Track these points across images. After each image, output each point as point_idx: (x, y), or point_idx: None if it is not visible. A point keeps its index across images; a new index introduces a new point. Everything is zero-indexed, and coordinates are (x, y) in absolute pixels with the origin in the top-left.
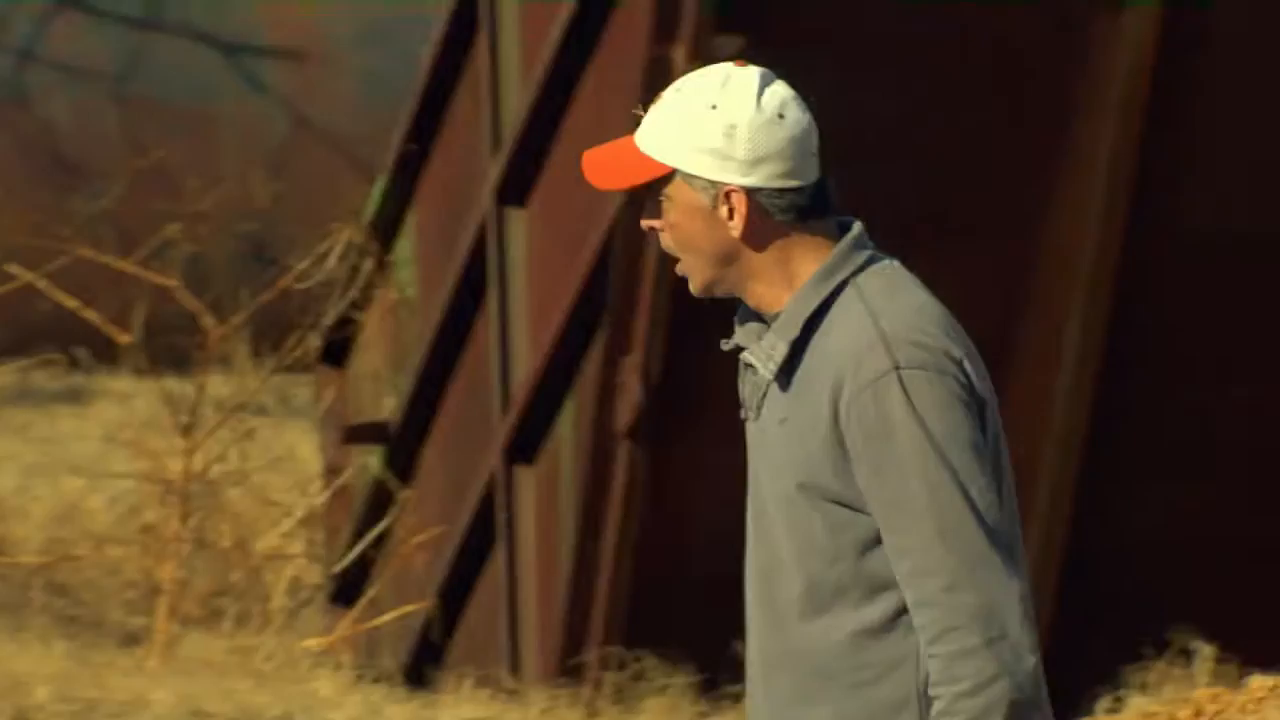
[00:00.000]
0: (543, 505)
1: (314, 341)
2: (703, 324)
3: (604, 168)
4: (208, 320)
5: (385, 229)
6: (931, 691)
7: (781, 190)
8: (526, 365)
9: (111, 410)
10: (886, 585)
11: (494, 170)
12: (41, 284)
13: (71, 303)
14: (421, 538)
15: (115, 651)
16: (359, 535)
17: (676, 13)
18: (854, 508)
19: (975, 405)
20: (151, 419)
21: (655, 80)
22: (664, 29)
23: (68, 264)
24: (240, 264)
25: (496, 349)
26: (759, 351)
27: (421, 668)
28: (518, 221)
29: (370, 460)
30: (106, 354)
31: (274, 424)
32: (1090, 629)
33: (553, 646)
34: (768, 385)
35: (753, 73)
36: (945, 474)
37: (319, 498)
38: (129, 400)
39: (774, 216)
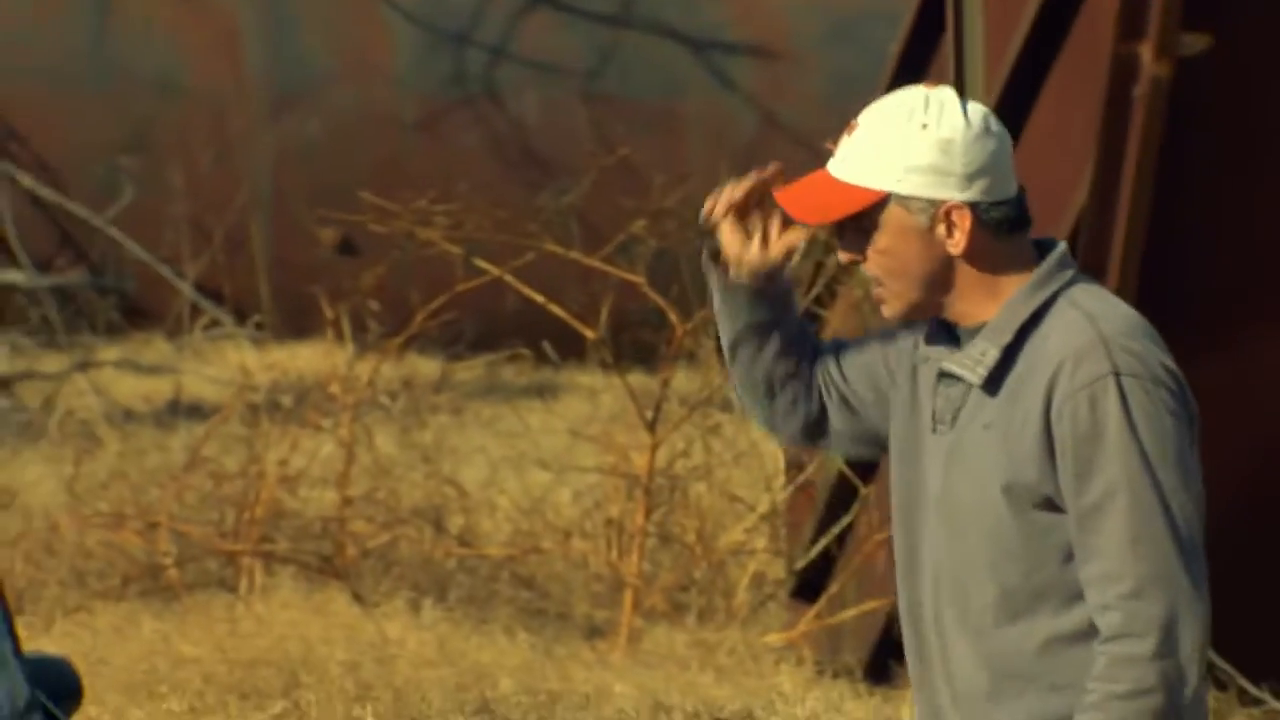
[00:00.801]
0: None
1: None
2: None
3: (809, 203)
4: (673, 316)
5: None
6: (1089, 684)
7: (996, 203)
8: None
9: (578, 405)
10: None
11: None
12: (510, 279)
13: (539, 298)
14: (883, 535)
15: (579, 644)
16: (821, 531)
17: (1145, 8)
18: (1058, 510)
19: (1187, 419)
20: (617, 413)
21: (1122, 78)
22: (1131, 25)
23: (536, 259)
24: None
25: None
26: (964, 359)
27: (884, 663)
28: None
29: (833, 457)
30: (573, 349)
31: (737, 420)
32: None
33: None
34: (968, 393)
35: (948, 91)
36: (1149, 484)
37: (781, 493)
38: (595, 395)
39: (990, 230)
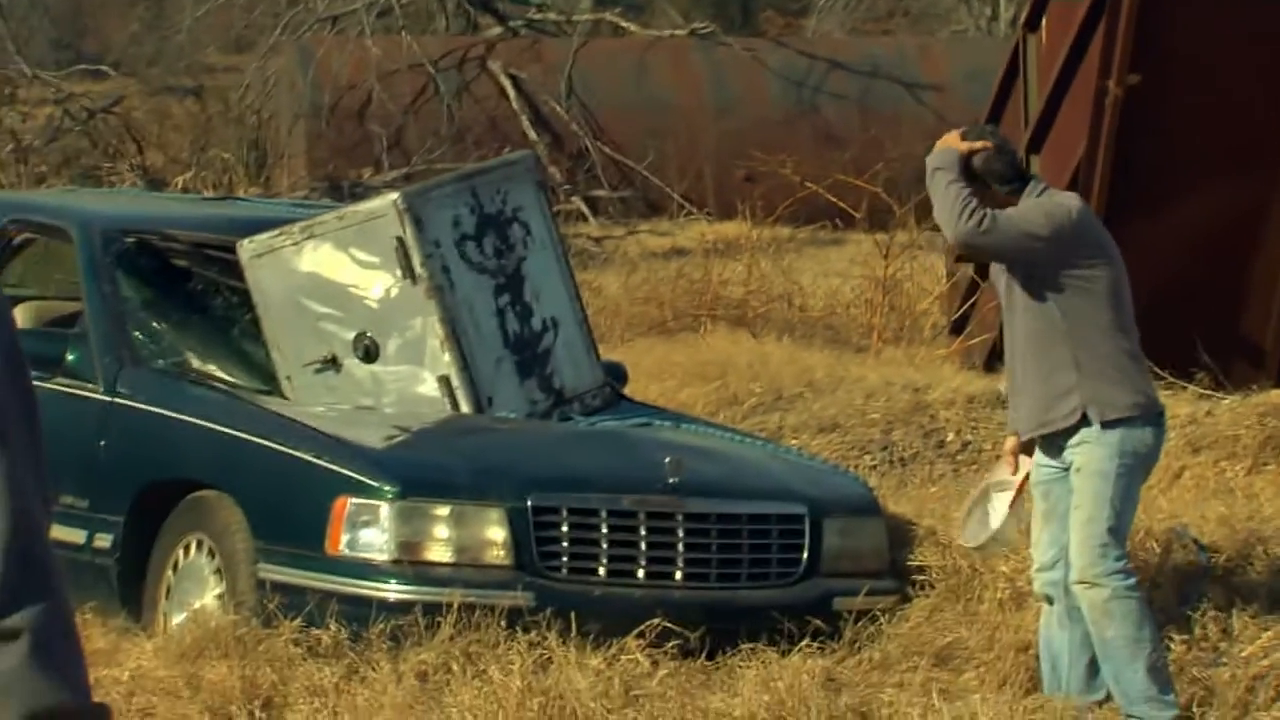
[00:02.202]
0: None
1: None
2: (1123, 203)
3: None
4: (897, 208)
5: None
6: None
7: (1011, 181)
8: None
9: (854, 248)
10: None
11: (1025, 135)
12: (821, 190)
13: (833, 198)
14: (992, 304)
15: (852, 355)
16: (963, 303)
17: (1110, 60)
18: (1051, 289)
19: (1059, 222)
20: (871, 250)
21: (1100, 96)
22: (1104, 69)
23: (833, 182)
24: None
25: None
26: None
27: (992, 364)
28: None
29: (967, 268)
30: (849, 223)
31: (925, 255)
32: None
33: None
34: None
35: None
36: (1020, 221)
37: (945, 285)
38: (861, 243)
39: (1009, 189)
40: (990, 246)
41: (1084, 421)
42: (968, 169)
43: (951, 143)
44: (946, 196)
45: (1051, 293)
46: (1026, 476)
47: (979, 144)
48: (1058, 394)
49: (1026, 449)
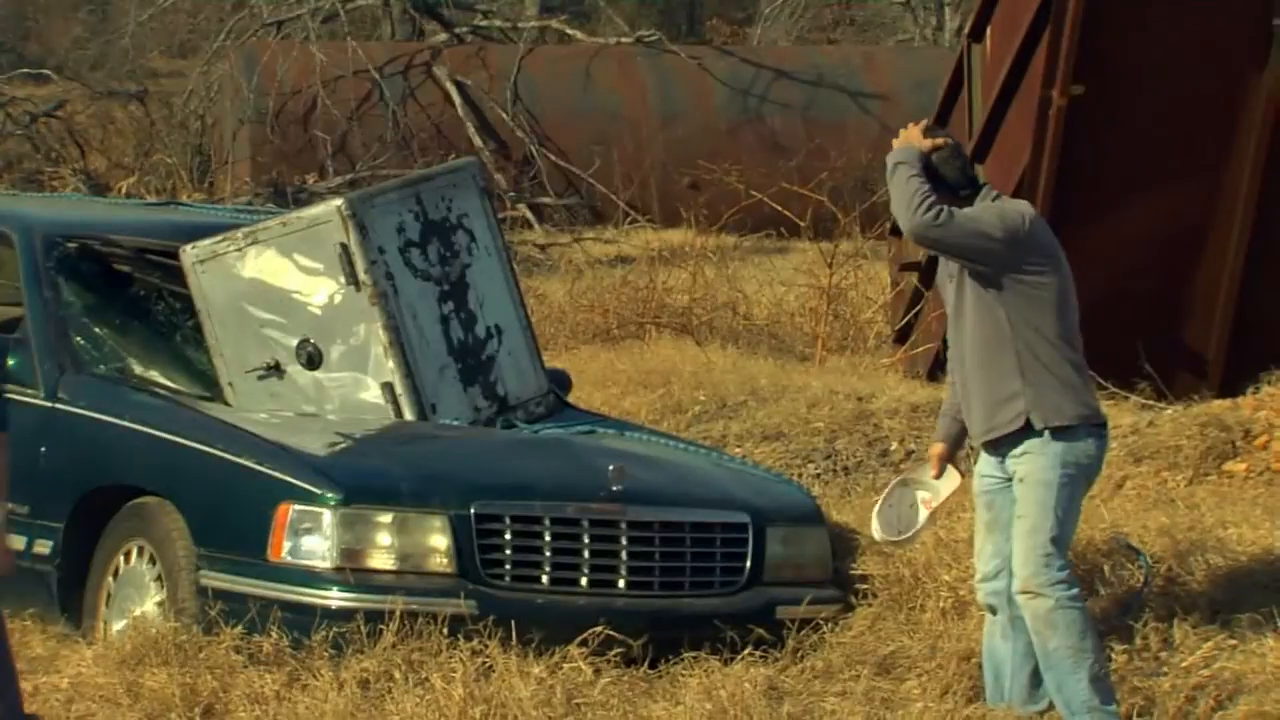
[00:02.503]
0: None
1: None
2: (1064, 211)
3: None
4: (841, 216)
5: None
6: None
7: (965, 187)
8: None
9: (798, 256)
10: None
11: (969, 144)
12: (765, 199)
13: (779, 207)
14: (937, 313)
15: (796, 364)
16: (908, 311)
17: (1054, 71)
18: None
19: (1005, 226)
20: (817, 259)
21: (1044, 106)
22: (1048, 79)
23: (778, 191)
24: None
25: None
26: None
27: (935, 374)
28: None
29: (912, 277)
30: (794, 230)
31: (869, 264)
32: None
33: None
34: None
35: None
36: (971, 214)
37: (889, 294)
38: (805, 251)
39: (964, 196)
40: (944, 240)
41: (1028, 429)
42: (928, 166)
43: (913, 138)
44: (906, 189)
45: (999, 299)
46: (956, 490)
47: (940, 140)
48: (1002, 400)
49: (953, 460)
